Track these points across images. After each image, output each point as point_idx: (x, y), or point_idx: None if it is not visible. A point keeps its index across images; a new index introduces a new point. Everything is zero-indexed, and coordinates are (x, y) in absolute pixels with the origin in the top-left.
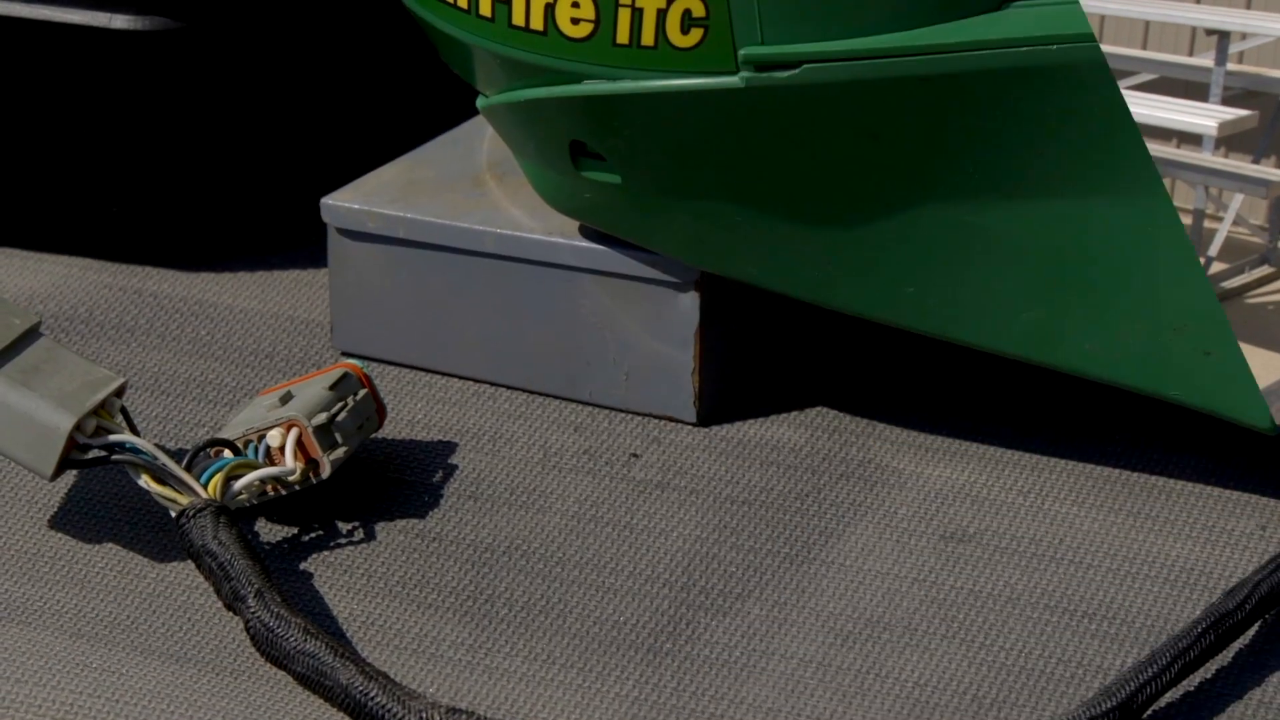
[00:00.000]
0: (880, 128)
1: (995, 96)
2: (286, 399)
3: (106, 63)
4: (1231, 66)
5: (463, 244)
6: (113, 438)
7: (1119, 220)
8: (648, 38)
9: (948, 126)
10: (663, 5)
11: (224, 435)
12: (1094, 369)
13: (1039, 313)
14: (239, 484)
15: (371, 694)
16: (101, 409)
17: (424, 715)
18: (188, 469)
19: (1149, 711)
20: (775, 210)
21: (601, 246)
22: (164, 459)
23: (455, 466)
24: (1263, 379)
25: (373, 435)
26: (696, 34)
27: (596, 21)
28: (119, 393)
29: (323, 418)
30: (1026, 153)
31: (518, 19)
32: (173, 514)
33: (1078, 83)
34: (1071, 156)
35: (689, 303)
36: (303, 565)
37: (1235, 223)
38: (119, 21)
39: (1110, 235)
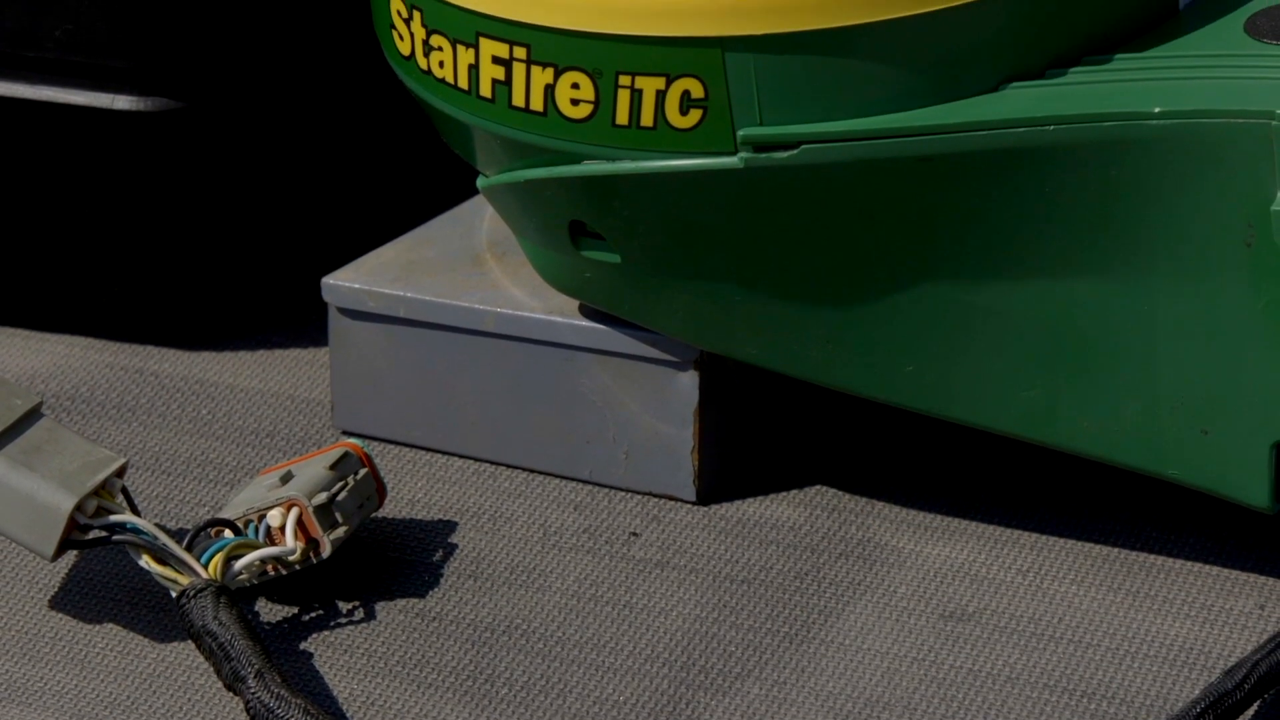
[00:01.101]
0: (879, 207)
1: (993, 176)
2: (287, 478)
3: (109, 143)
4: None
5: (463, 323)
6: (114, 518)
7: (1115, 299)
8: (647, 119)
9: (946, 206)
10: (662, 86)
11: (224, 515)
12: (1091, 448)
13: (1036, 392)
14: (239, 564)
15: None
16: (103, 489)
17: None
18: (188, 549)
19: None
20: (774, 290)
21: (601, 326)
22: (164, 539)
23: (455, 545)
24: None
25: (373, 514)
26: (695, 115)
27: (596, 103)
28: (120, 473)
29: (323, 497)
30: (1024, 231)
31: (518, 100)
32: (173, 594)
33: (1074, 162)
34: (1068, 235)
35: (689, 382)
36: (303, 645)
37: None
38: (121, 102)
39: (1106, 314)
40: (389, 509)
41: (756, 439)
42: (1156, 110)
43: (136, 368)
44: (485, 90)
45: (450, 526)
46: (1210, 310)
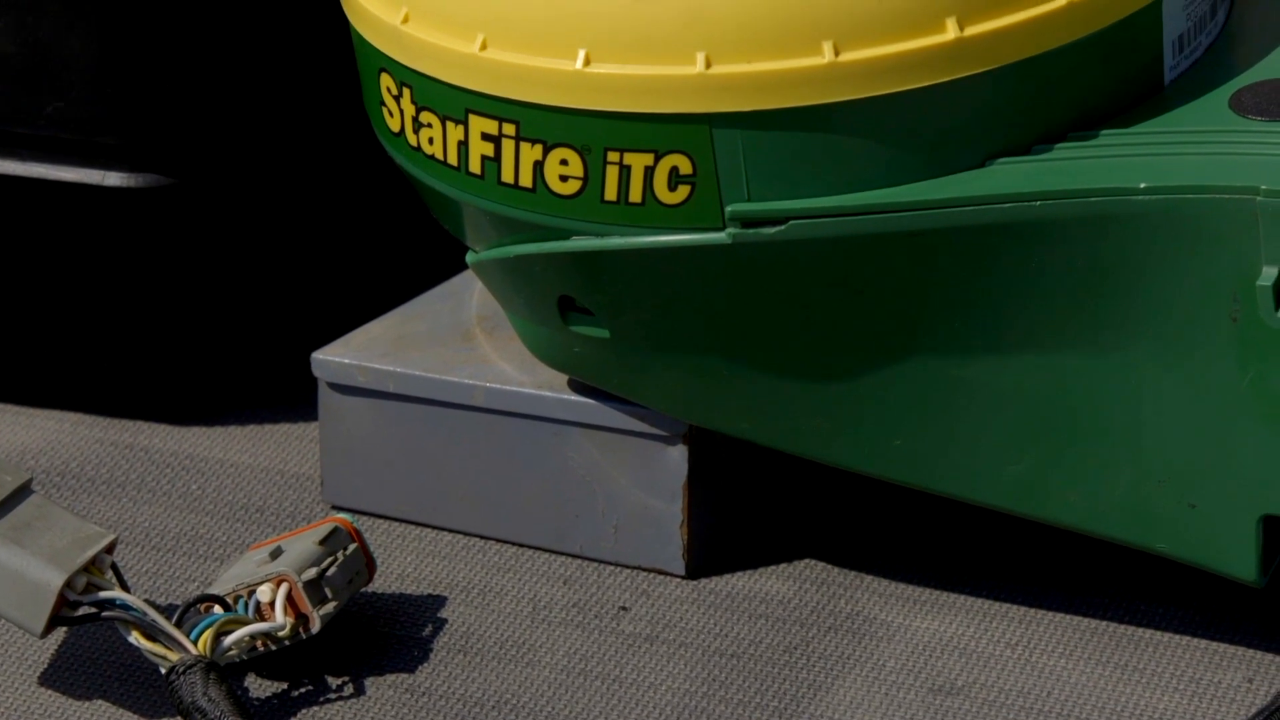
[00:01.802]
0: (867, 282)
1: (981, 251)
2: (277, 554)
3: (100, 220)
4: None
5: (452, 398)
6: (103, 594)
7: (1102, 373)
8: (635, 195)
9: (934, 281)
10: (650, 162)
11: (214, 591)
12: (1079, 521)
13: (1024, 466)
14: (229, 640)
15: None
16: (92, 565)
17: None
18: (178, 625)
19: None
20: (763, 365)
21: (590, 400)
22: (154, 615)
23: (445, 620)
24: None
25: (362, 589)
26: (684, 191)
27: (585, 179)
28: (110, 549)
29: (312, 573)
30: (1012, 306)
31: (507, 176)
32: (163, 670)
33: (1061, 237)
34: (1055, 310)
35: (678, 456)
36: None
37: None
38: (113, 179)
39: (1093, 388)
40: (378, 583)
41: (745, 513)
42: (1142, 186)
43: (126, 443)
44: (474, 167)
45: (440, 601)
46: (1196, 384)
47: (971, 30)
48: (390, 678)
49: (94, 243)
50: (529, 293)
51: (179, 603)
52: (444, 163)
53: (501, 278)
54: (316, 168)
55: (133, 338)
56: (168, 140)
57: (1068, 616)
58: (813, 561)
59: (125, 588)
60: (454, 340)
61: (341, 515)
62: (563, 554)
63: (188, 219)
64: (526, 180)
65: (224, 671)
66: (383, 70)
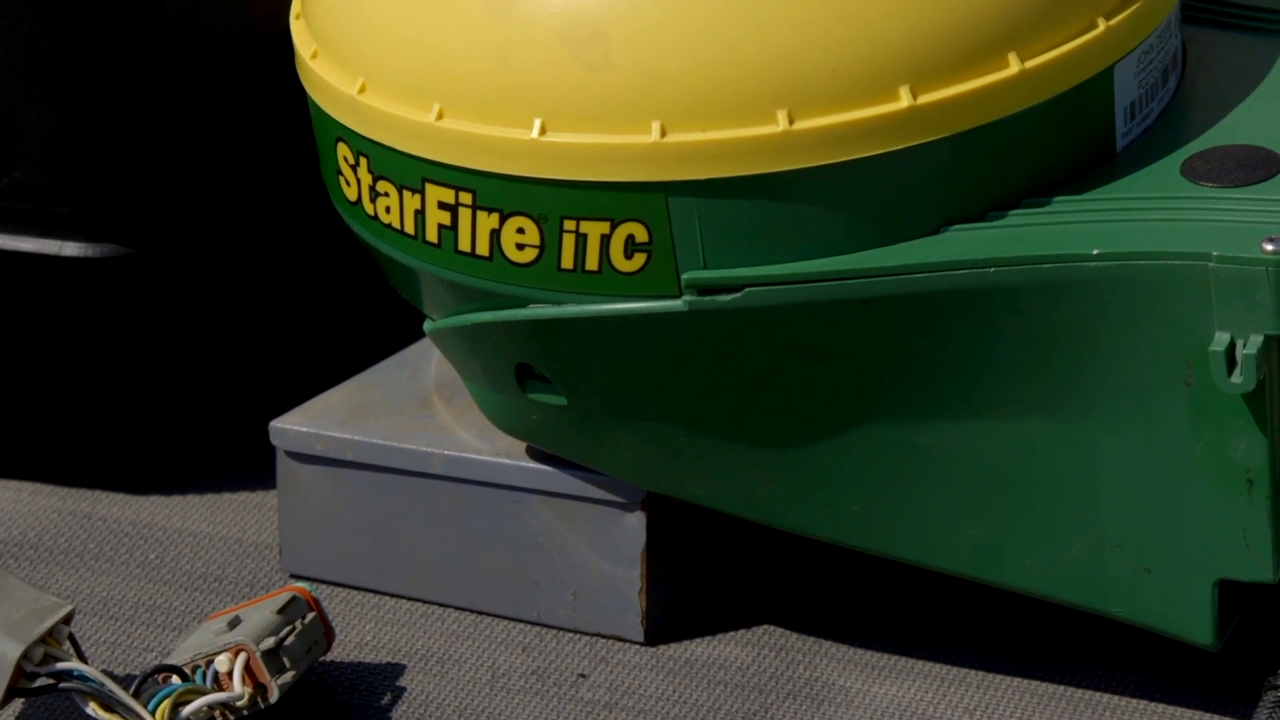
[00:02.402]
0: (823, 349)
1: (935, 318)
2: (235, 623)
3: (57, 290)
4: None
5: (410, 466)
6: (60, 665)
7: (1057, 438)
8: (592, 263)
9: (889, 347)
10: (606, 231)
11: (172, 661)
12: (1036, 586)
13: (981, 531)
14: (187, 710)
15: None
16: (49, 637)
17: None
18: (136, 696)
19: None
20: (719, 431)
21: (548, 467)
22: (111, 686)
23: (403, 689)
24: None
25: (321, 658)
26: (640, 259)
27: (541, 247)
28: (67, 619)
29: (270, 642)
30: (968, 372)
31: (464, 245)
32: None
33: (1015, 304)
34: (1010, 375)
35: (636, 522)
36: None
37: None
38: (70, 249)
39: (1049, 453)
40: (337, 652)
41: (704, 579)
42: (1095, 252)
43: (84, 512)
44: (431, 235)
45: (398, 669)
46: (1151, 450)
47: (925, 98)
48: None
49: (51, 313)
50: (487, 360)
51: (137, 673)
52: (401, 231)
53: (459, 346)
54: (273, 237)
55: (90, 407)
56: (125, 210)
57: (1026, 681)
58: (771, 627)
59: (83, 659)
60: (412, 408)
61: (300, 584)
62: (521, 621)
63: (145, 289)
64: (483, 249)
65: None
66: (339, 140)
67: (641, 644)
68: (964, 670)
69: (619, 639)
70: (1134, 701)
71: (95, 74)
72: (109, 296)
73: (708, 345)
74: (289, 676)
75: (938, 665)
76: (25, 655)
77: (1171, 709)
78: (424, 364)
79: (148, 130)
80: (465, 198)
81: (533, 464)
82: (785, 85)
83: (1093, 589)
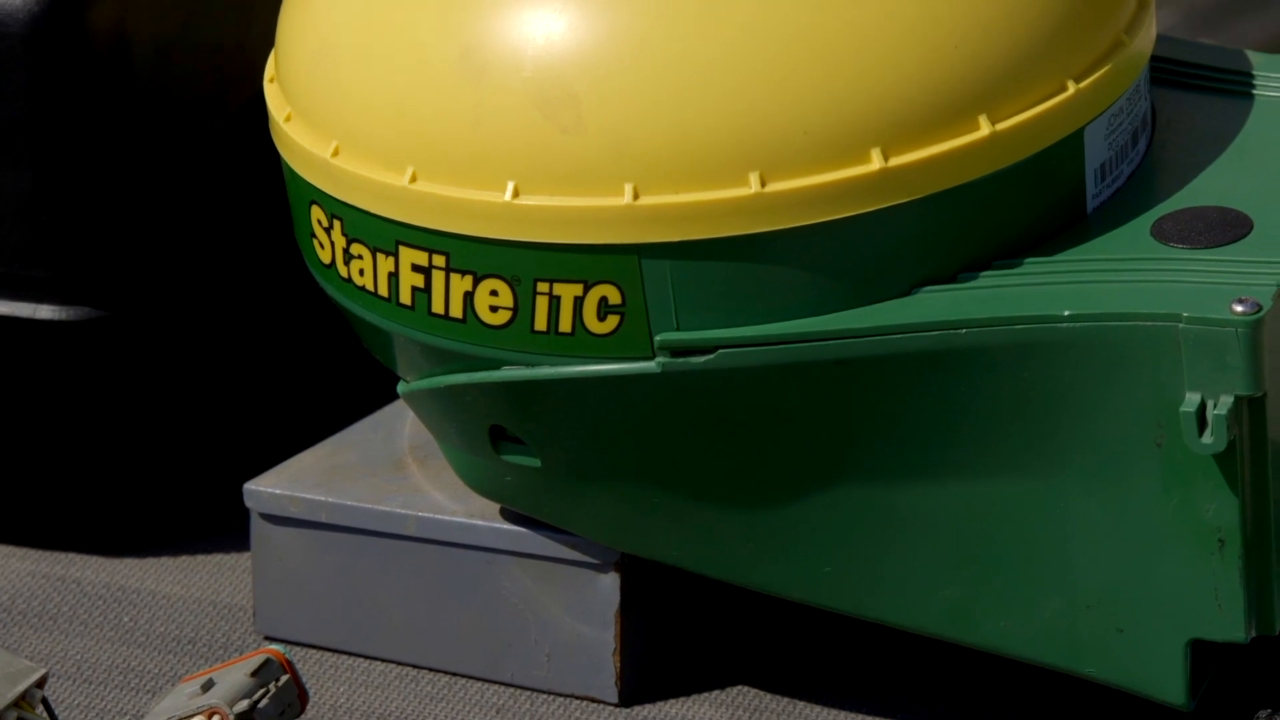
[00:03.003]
0: (796, 410)
1: (908, 379)
2: (208, 686)
3: (32, 353)
4: None
5: (384, 528)
6: None
7: (1030, 499)
8: (565, 325)
9: (862, 408)
10: (579, 293)
11: None
12: (1010, 646)
13: (954, 591)
14: None
15: None
16: (22, 700)
17: None
18: None
19: None
20: (693, 493)
21: (522, 529)
22: None
23: None
24: None
25: None
26: (613, 321)
27: (515, 309)
28: (40, 683)
29: (244, 705)
30: (940, 433)
31: (437, 307)
32: None
33: (987, 365)
34: (983, 436)
35: (609, 583)
36: None
37: None
38: (44, 312)
39: (1022, 514)
40: (311, 714)
41: (678, 639)
42: (1066, 314)
43: (58, 575)
44: (405, 298)
45: None
46: (1123, 510)
47: (896, 161)
48: None
49: (26, 375)
50: (460, 422)
51: None
52: (375, 294)
53: (433, 407)
54: (248, 299)
55: (64, 469)
56: (99, 273)
57: None
58: (745, 688)
59: None
60: (386, 470)
61: (274, 646)
62: (496, 683)
63: (120, 351)
64: (457, 311)
65: None
66: (313, 203)
67: (615, 705)
68: None
69: (593, 700)
70: None
71: (69, 137)
72: (84, 359)
73: (681, 406)
74: None
75: None
76: None
77: None
78: (398, 426)
79: (122, 193)
80: (439, 260)
81: (506, 525)
82: (757, 148)
83: (1066, 649)
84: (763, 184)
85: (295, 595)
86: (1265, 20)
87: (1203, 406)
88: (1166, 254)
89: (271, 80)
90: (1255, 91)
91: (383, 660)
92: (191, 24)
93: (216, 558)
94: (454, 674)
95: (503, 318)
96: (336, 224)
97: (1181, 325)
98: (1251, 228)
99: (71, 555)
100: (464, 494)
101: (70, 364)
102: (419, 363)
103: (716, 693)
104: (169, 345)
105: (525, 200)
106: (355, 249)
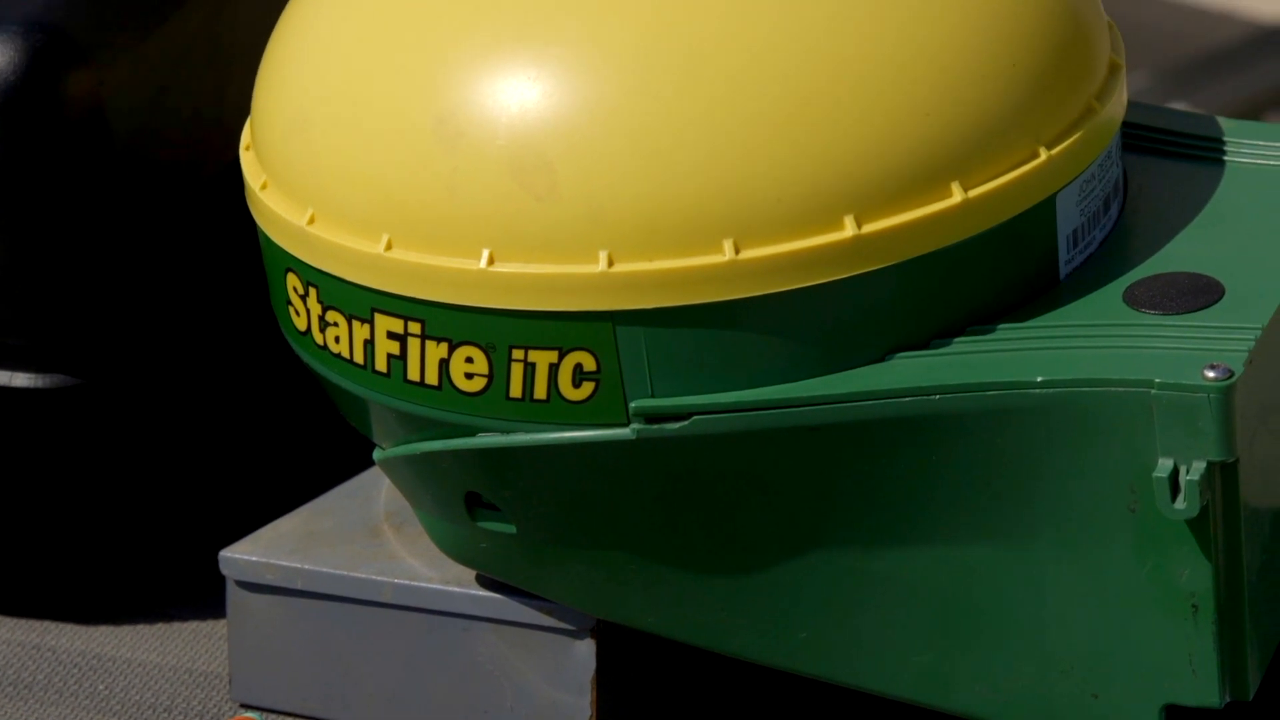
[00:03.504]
0: (771, 476)
1: (882, 445)
2: None
3: (8, 421)
4: None
5: (360, 594)
6: None
7: (1004, 565)
8: (540, 392)
9: (837, 474)
10: (555, 360)
11: None
12: (985, 712)
13: (929, 657)
14: None
15: None
16: None
17: None
18: None
19: None
20: (668, 559)
21: (498, 595)
22: None
23: None
24: None
25: None
26: (588, 388)
27: (490, 376)
28: None
29: None
30: (914, 499)
31: (413, 374)
32: None
33: (961, 431)
34: (957, 502)
35: (585, 650)
36: None
37: None
38: (20, 380)
39: (996, 579)
40: None
41: (655, 706)
42: (1039, 379)
43: (33, 643)
44: (380, 365)
45: None
46: (1097, 575)
47: (869, 228)
48: None
49: (1, 443)
50: (436, 489)
51: None
52: (350, 361)
53: (409, 474)
54: (224, 366)
55: (39, 536)
56: (75, 341)
57: None
58: None
59: None
60: (362, 536)
61: (250, 714)
62: None
63: (96, 419)
64: (432, 378)
65: None
66: (289, 270)
67: None
68: None
69: None
70: None
71: (45, 205)
72: (60, 427)
73: (656, 473)
74: None
75: None
76: None
77: None
78: (374, 492)
79: (98, 261)
80: (414, 327)
81: (482, 592)
82: (731, 215)
83: (1041, 714)
84: (737, 251)
85: (271, 662)
86: (1238, 83)
87: (1175, 472)
88: (1139, 320)
89: (247, 148)
90: (1226, 157)
91: None
92: (168, 91)
93: (192, 625)
94: None
95: (478, 385)
96: (312, 291)
97: (1154, 391)
98: (1223, 294)
99: (46, 623)
100: (440, 560)
101: (46, 432)
102: (395, 430)
103: None
104: (145, 412)
105: (500, 268)
106: (331, 316)
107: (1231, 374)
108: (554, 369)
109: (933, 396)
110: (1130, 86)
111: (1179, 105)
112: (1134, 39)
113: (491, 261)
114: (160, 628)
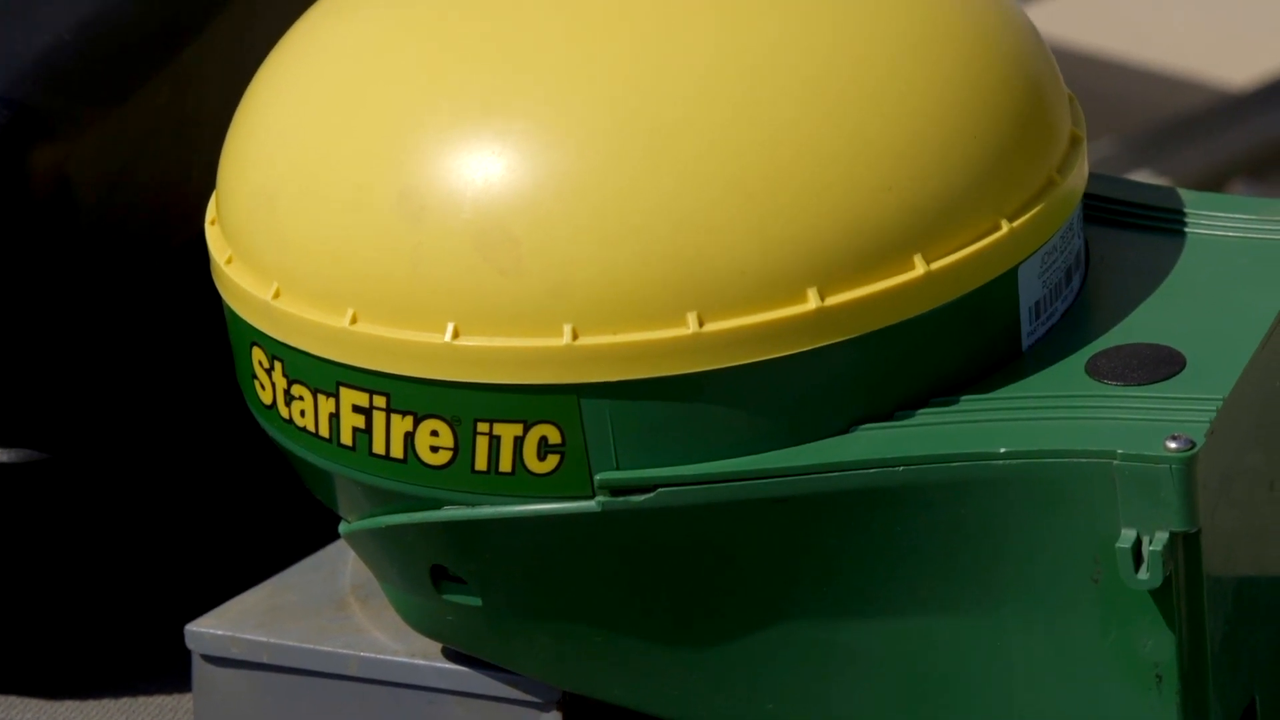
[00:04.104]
0: (735, 548)
1: (847, 517)
2: None
3: None
4: None
5: (327, 668)
6: None
7: (970, 635)
8: (505, 464)
9: (802, 546)
10: (520, 432)
11: None
12: None
13: None
14: None
15: None
16: None
17: None
18: None
19: None
20: (634, 630)
21: (464, 668)
22: None
23: None
24: None
25: None
26: (553, 460)
27: (455, 449)
28: None
29: None
30: (881, 570)
31: (378, 448)
32: None
33: (925, 502)
34: (922, 573)
35: None
36: None
37: None
38: None
39: (962, 650)
40: None
41: None
42: (1002, 450)
43: None
44: (346, 438)
45: None
46: (1062, 646)
47: (832, 300)
48: None
49: None
50: (402, 562)
51: None
52: (316, 434)
53: (374, 547)
54: (189, 440)
55: (3, 612)
56: (41, 415)
57: None
58: None
59: None
60: (328, 610)
61: None
62: None
63: (61, 493)
64: (398, 451)
65: None
66: (254, 344)
67: None
68: None
69: None
70: None
71: (9, 279)
72: (25, 501)
73: (622, 545)
74: None
75: None
76: None
77: None
78: (339, 566)
79: (63, 335)
80: (379, 401)
81: (448, 665)
82: (695, 288)
83: None
84: (701, 324)
85: None
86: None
87: (1138, 543)
88: (1101, 391)
89: (212, 222)
90: (1186, 229)
91: None
92: (134, 166)
93: (158, 700)
94: None
95: (443, 458)
96: (278, 365)
97: (1116, 462)
98: (1184, 365)
99: (11, 699)
100: (406, 633)
101: (11, 506)
102: (360, 503)
103: None
104: (111, 486)
105: (465, 341)
106: (296, 390)
107: (1193, 445)
108: (519, 441)
109: (897, 468)
110: (1095, 154)
111: (1144, 173)
112: (1098, 107)
113: (456, 335)
114: (126, 702)
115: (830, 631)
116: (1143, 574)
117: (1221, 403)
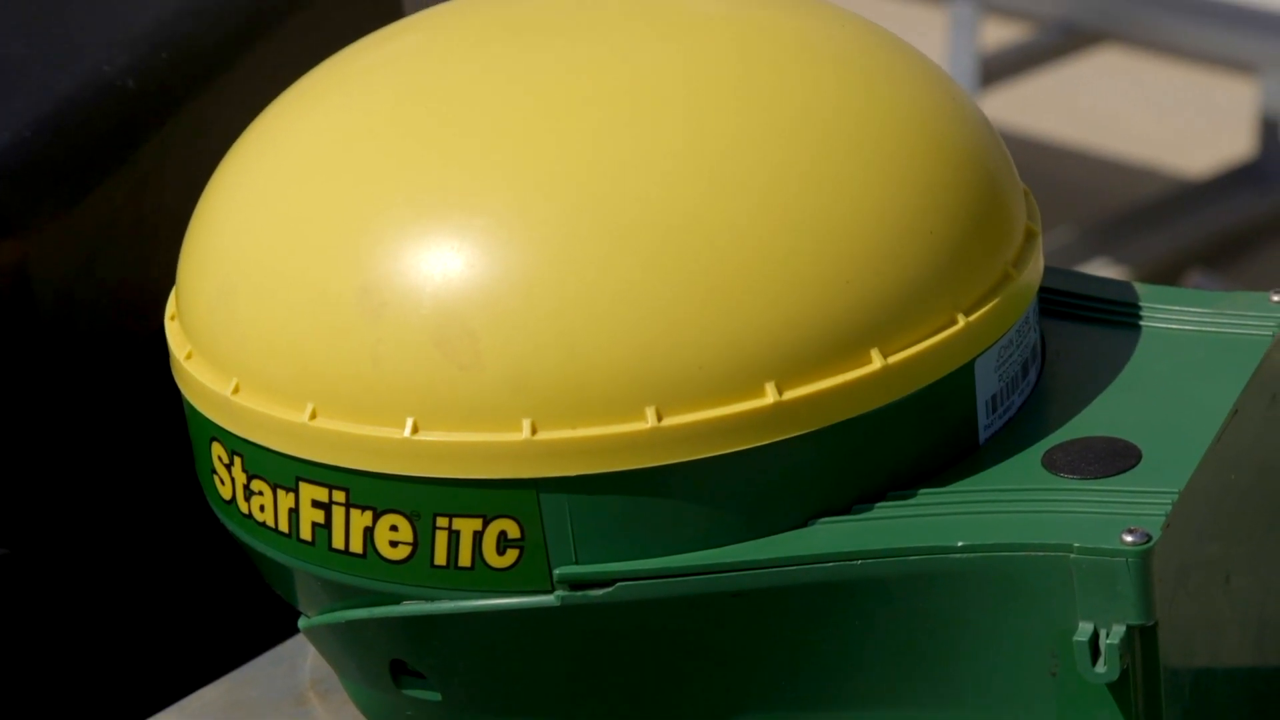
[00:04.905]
0: (695, 641)
1: (805, 610)
2: None
3: None
4: None
5: None
6: None
7: None
8: (464, 559)
9: (761, 639)
10: (479, 527)
11: None
12: None
13: None
14: None
15: None
16: None
17: None
18: None
19: None
20: None
21: None
22: None
23: None
24: None
25: None
26: (512, 555)
27: (415, 544)
28: None
29: None
30: (838, 662)
31: (337, 542)
32: None
33: (882, 595)
34: (880, 666)
35: None
36: None
37: None
38: None
39: None
40: None
41: None
42: (959, 544)
43: None
44: (305, 533)
45: None
46: None
47: (790, 394)
48: None
49: None
50: (361, 656)
51: None
52: (275, 530)
53: (334, 642)
54: (147, 536)
55: None
56: None
57: None
58: None
59: None
60: (287, 705)
61: None
62: None
63: (18, 589)
64: (357, 546)
65: None
66: (214, 439)
67: None
68: None
69: None
70: None
71: None
72: None
73: (581, 639)
74: None
75: None
76: None
77: None
78: (299, 660)
79: (20, 430)
80: (339, 496)
81: None
82: (653, 383)
83: None
84: (659, 418)
85: None
86: (1161, 239)
87: (1095, 636)
88: (1057, 484)
89: (172, 318)
90: (1141, 322)
91: None
92: (94, 262)
93: None
94: None
95: (403, 552)
96: (237, 460)
97: (1073, 556)
98: (1140, 458)
99: None
100: None
101: None
102: (320, 597)
103: None
104: (69, 581)
105: (424, 436)
106: (256, 485)
107: (1149, 538)
108: (478, 536)
109: (855, 562)
110: (1053, 243)
111: (1100, 260)
112: (1056, 196)
113: (415, 430)
114: None
115: None
116: (1100, 667)
117: (1178, 495)
